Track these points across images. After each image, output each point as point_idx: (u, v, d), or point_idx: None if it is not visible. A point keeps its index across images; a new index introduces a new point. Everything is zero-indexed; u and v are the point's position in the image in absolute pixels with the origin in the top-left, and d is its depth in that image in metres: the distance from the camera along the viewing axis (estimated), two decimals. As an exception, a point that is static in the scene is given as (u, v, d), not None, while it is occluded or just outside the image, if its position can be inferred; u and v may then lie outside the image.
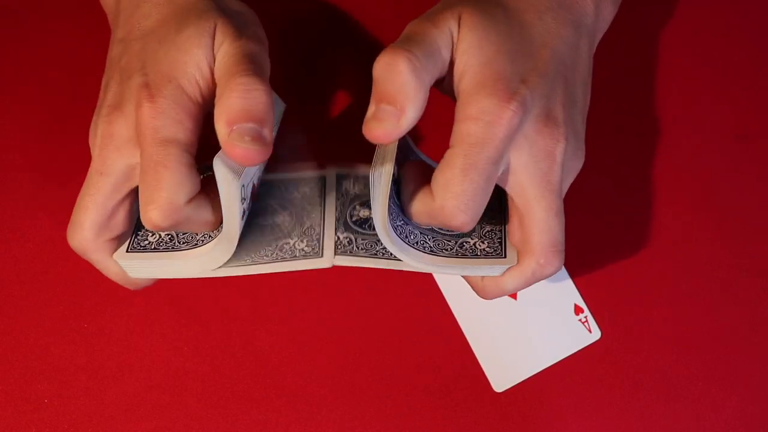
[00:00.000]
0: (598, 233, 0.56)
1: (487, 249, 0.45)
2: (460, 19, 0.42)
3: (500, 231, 0.46)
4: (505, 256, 0.44)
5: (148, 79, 0.42)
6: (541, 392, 0.53)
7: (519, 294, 0.54)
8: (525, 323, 0.54)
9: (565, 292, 0.54)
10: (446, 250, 0.45)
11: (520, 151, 0.42)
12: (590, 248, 0.55)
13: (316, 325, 0.54)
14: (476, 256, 0.44)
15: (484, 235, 0.46)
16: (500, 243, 0.45)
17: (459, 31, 0.42)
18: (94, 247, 0.44)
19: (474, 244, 0.45)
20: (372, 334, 0.54)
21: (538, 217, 0.43)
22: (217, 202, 0.42)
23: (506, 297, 0.54)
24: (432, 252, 0.44)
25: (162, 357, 0.53)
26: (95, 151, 0.44)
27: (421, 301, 0.54)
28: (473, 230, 0.46)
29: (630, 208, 0.56)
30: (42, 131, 0.56)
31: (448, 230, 0.45)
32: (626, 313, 0.54)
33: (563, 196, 0.44)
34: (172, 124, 0.42)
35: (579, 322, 0.54)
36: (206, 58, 0.43)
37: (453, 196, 0.41)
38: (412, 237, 0.45)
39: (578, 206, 0.56)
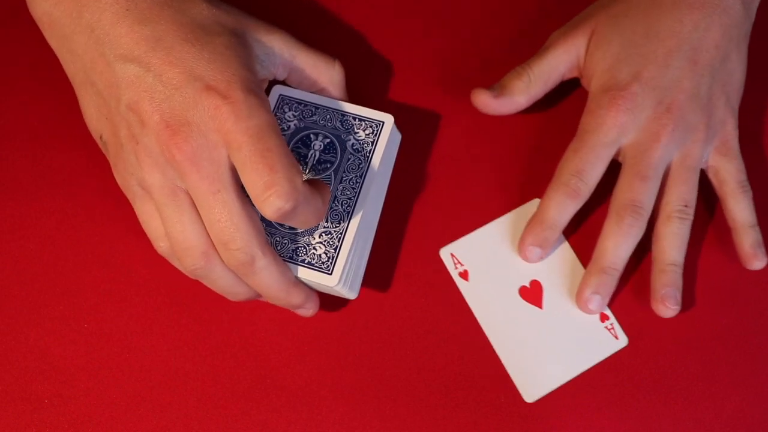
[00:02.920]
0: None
1: (323, 256, 0.51)
2: (592, 34, 0.57)
3: (338, 241, 0.51)
4: (331, 273, 0.50)
5: (209, 83, 0.44)
6: (572, 401, 0.54)
7: (545, 303, 0.55)
8: (552, 333, 0.55)
9: None
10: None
11: (630, 132, 0.54)
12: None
13: (319, 328, 0.55)
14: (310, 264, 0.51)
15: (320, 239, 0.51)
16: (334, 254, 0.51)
17: (590, 43, 0.57)
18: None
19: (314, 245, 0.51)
20: (396, 349, 0.55)
21: (623, 180, 0.54)
22: (323, 193, 0.48)
23: (531, 306, 0.55)
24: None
25: (162, 357, 0.54)
26: (191, 179, 0.45)
27: (446, 312, 0.56)
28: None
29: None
30: (42, 131, 0.58)
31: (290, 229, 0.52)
32: (652, 318, 0.55)
33: (686, 164, 0.55)
34: (260, 112, 0.45)
35: (605, 330, 0.55)
36: (255, 54, 0.49)
37: (566, 166, 0.55)
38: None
39: (590, 213, 0.58)
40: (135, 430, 0.53)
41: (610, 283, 0.54)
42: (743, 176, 0.56)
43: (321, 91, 0.55)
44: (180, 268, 0.49)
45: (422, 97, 0.60)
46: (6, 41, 0.58)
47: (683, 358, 0.55)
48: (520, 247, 0.55)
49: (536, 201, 0.58)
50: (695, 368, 0.55)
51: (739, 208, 0.56)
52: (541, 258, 0.56)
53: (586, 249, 0.57)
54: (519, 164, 0.59)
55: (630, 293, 0.56)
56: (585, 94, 0.57)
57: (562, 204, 0.54)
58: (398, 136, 0.57)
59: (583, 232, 0.57)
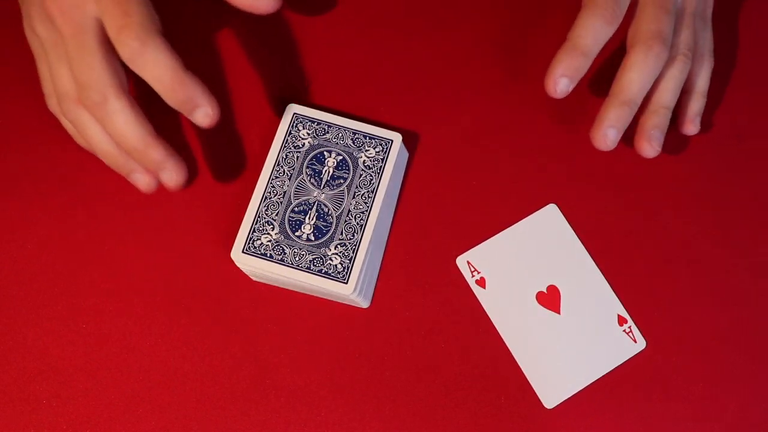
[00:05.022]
0: (616, 241, 0.58)
1: (338, 266, 0.53)
2: None
3: (353, 252, 0.54)
4: (347, 282, 0.53)
5: None
6: (592, 405, 0.54)
7: (562, 308, 0.55)
8: (570, 338, 0.55)
9: (607, 303, 0.56)
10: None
11: None
12: (624, 257, 0.57)
13: (320, 329, 0.56)
14: (327, 274, 0.53)
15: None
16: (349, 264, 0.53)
17: None
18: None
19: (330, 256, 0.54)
20: (407, 353, 0.55)
21: (648, 14, 0.54)
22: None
23: (549, 311, 0.56)
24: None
25: (161, 357, 0.54)
26: (59, 25, 0.49)
27: (464, 319, 0.56)
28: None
29: (631, 208, 0.58)
30: (42, 131, 0.58)
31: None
32: (671, 319, 0.56)
33: (688, 11, 0.56)
34: None
35: (623, 333, 0.55)
36: None
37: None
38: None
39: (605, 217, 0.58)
40: (134, 430, 0.53)
41: (628, 118, 0.54)
42: (712, 46, 0.59)
43: None
44: (64, 117, 0.53)
45: (433, 105, 0.61)
46: (6, 41, 0.60)
47: (703, 359, 0.55)
48: (549, 79, 0.53)
49: (552, 206, 0.58)
50: (713, 368, 0.55)
51: (701, 75, 0.58)
52: (568, 92, 0.53)
53: (602, 253, 0.57)
54: (533, 170, 0.59)
55: (647, 296, 0.56)
56: (598, 101, 0.58)
57: (599, 29, 0.53)
58: (406, 154, 0.59)
59: (598, 237, 0.58)
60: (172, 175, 0.52)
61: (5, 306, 0.56)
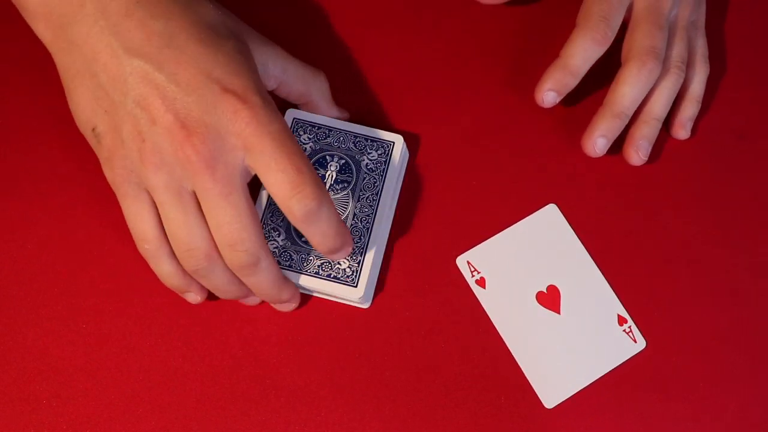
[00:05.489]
0: (614, 240, 0.58)
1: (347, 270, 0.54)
2: None
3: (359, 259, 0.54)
4: (356, 285, 0.53)
5: (226, 86, 0.46)
6: (592, 405, 0.54)
7: (562, 308, 0.56)
8: (570, 337, 0.55)
9: (607, 303, 0.56)
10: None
11: None
12: (624, 257, 0.57)
13: (319, 328, 0.56)
14: (336, 278, 0.54)
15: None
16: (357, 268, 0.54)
17: None
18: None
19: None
20: (406, 353, 0.55)
21: (641, 30, 0.56)
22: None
23: (549, 311, 0.56)
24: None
25: (161, 357, 0.54)
26: (204, 180, 0.46)
27: (464, 319, 0.56)
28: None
29: (631, 208, 0.58)
30: (42, 131, 0.59)
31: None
32: (670, 319, 0.56)
33: (681, 24, 0.58)
34: (278, 118, 0.47)
35: (623, 333, 0.55)
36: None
37: (594, 11, 0.56)
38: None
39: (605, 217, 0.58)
40: (134, 430, 0.53)
41: (619, 128, 0.57)
42: (707, 52, 0.60)
43: (308, 104, 0.57)
44: (161, 269, 0.51)
45: (433, 105, 0.61)
46: (6, 41, 0.60)
47: (703, 359, 0.55)
48: (538, 91, 0.57)
49: (552, 206, 0.58)
50: (713, 368, 0.55)
51: (695, 81, 0.59)
52: (556, 103, 0.57)
53: (602, 253, 0.57)
54: (533, 170, 0.59)
55: (647, 296, 0.56)
56: (595, 98, 0.59)
57: (589, 50, 0.56)
58: (407, 155, 0.59)
59: (598, 237, 0.58)
60: (292, 306, 0.55)
61: (5, 306, 0.56)
